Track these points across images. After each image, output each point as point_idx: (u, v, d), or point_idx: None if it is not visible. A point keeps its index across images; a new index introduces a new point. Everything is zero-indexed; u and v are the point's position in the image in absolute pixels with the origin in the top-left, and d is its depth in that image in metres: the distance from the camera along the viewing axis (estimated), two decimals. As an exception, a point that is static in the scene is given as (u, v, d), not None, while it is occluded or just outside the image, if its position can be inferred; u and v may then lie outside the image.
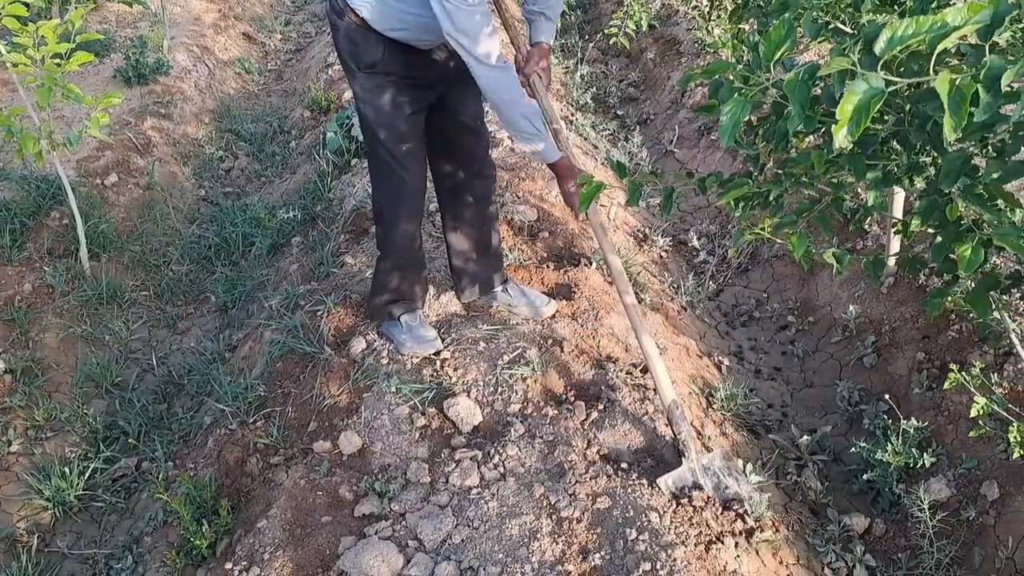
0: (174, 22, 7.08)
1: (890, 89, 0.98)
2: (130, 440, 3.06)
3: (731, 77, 1.43)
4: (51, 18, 6.08)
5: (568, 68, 6.01)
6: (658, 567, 2.08)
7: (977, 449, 2.51)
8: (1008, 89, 0.94)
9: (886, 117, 1.57)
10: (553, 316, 3.04)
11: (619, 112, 5.55)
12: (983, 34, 0.97)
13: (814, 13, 1.52)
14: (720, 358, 3.21)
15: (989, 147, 1.50)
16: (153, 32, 6.79)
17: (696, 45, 5.41)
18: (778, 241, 2.10)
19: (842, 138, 1.00)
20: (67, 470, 2.85)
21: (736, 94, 1.36)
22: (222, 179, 5.23)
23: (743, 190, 1.82)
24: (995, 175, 1.55)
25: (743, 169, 3.59)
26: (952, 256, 1.69)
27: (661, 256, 3.90)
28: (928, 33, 0.95)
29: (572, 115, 5.19)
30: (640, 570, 2.08)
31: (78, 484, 2.84)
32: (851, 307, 3.16)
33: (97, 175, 4.65)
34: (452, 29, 2.16)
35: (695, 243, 3.94)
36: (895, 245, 2.99)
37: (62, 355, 3.47)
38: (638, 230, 4.06)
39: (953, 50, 1.26)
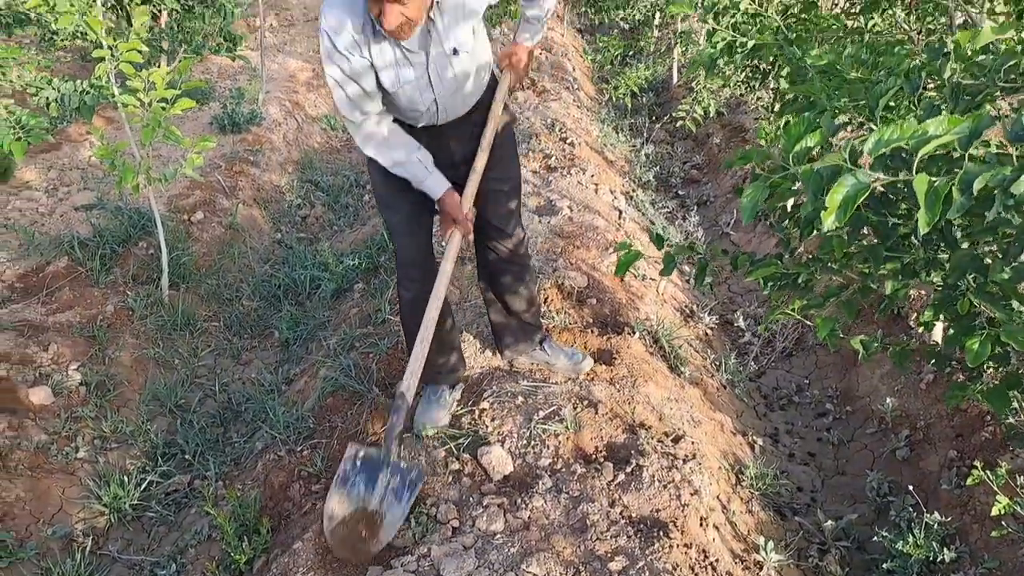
0: (270, 77, 7.58)
1: (875, 184, 1.11)
2: (186, 457, 3.26)
3: (756, 165, 1.57)
4: (160, 66, 6.63)
5: (634, 147, 6.23)
6: (666, 627, 2.15)
7: (1000, 550, 2.51)
8: (981, 192, 1.06)
9: (903, 210, 1.69)
10: (591, 379, 3.16)
11: (680, 192, 5.72)
12: (963, 144, 1.10)
13: (835, 112, 1.65)
14: (755, 438, 3.27)
15: (995, 247, 1.60)
16: (250, 85, 7.28)
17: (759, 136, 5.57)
18: (810, 326, 2.20)
19: (830, 223, 1.13)
20: (126, 479, 3.06)
21: (758, 181, 1.51)
22: (298, 225, 5.54)
23: (771, 270, 1.94)
24: (1004, 275, 1.65)
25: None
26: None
27: (707, 333, 3.99)
28: (911, 139, 1.09)
29: (633, 191, 5.38)
30: (649, 629, 2.14)
31: (134, 494, 3.04)
32: (889, 400, 3.20)
33: (185, 211, 5.00)
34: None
35: (741, 323, 4.03)
36: (936, 333, 3.04)
37: (134, 374, 3.72)
38: (686, 306, 4.16)
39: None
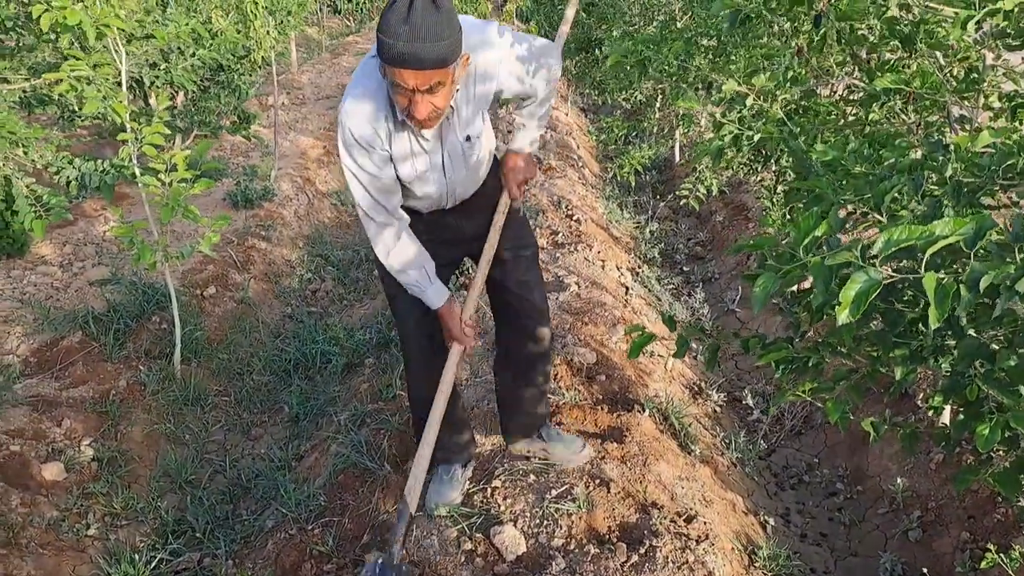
0: (282, 154, 7.77)
1: (886, 282, 1.18)
2: (196, 535, 3.25)
3: (766, 255, 1.64)
4: (174, 144, 6.81)
5: (639, 223, 6.35)
6: None
7: (1018, 635, 2.49)
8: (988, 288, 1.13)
9: (910, 296, 1.75)
10: (603, 457, 3.17)
11: (685, 268, 5.81)
12: (969, 243, 1.17)
13: (841, 207, 1.73)
14: (766, 517, 3.26)
15: (1002, 335, 1.66)
16: (263, 162, 7.47)
17: (763, 212, 5.69)
18: (819, 405, 2.24)
19: (845, 317, 1.19)
20: (136, 557, 3.04)
21: (770, 271, 1.57)
22: (308, 299, 5.61)
23: (782, 353, 1.99)
24: (1011, 362, 1.70)
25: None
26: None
27: (715, 411, 4.02)
28: (919, 240, 1.15)
29: (639, 268, 5.46)
30: None
31: (144, 572, 3.02)
32: (899, 480, 3.21)
33: (198, 286, 5.08)
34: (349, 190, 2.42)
35: (749, 401, 4.05)
36: (946, 420, 3.07)
37: (145, 449, 3.74)
38: (694, 383, 4.20)
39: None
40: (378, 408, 3.71)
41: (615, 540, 2.78)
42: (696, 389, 4.14)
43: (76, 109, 5.36)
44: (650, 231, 6.09)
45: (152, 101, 6.00)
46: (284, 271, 5.87)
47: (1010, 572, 2.38)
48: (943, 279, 1.13)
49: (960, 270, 1.17)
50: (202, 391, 4.19)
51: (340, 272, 5.97)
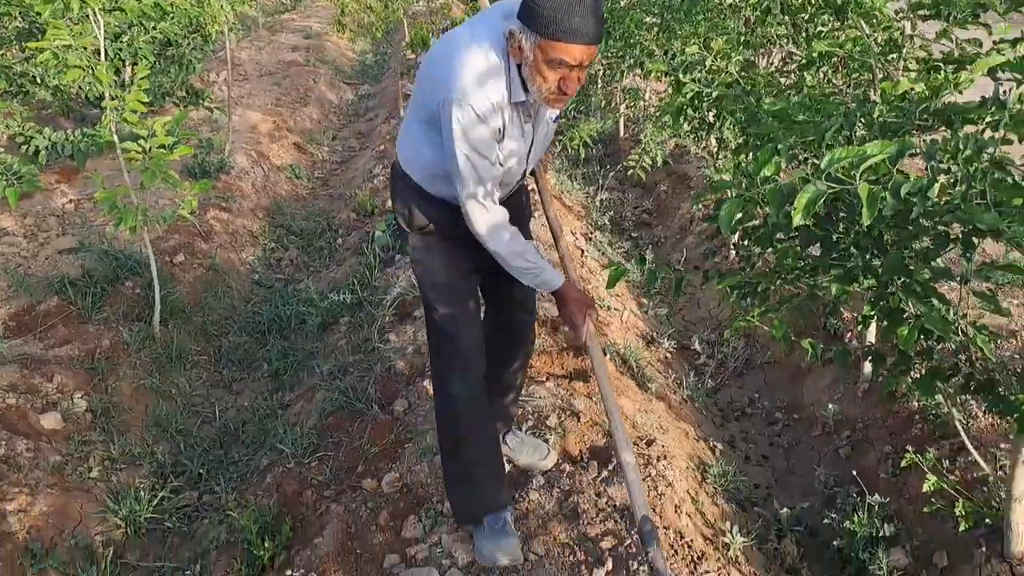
0: (234, 129, 7.85)
1: (829, 192, 1.52)
2: (198, 472, 3.47)
3: (730, 190, 1.98)
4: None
5: (589, 193, 6.71)
6: (655, 592, 2.48)
7: (931, 525, 2.93)
8: (907, 196, 1.47)
9: (842, 224, 2.12)
10: (572, 393, 3.51)
11: (633, 234, 6.19)
12: (892, 161, 1.51)
13: (791, 147, 2.07)
14: (715, 443, 3.65)
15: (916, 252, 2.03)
16: (216, 136, 7.56)
17: (704, 181, 6.10)
18: (768, 344, 2.60)
19: (799, 219, 1.52)
20: (140, 494, 3.26)
21: (733, 199, 1.91)
22: (273, 267, 5.80)
23: (737, 278, 2.35)
24: (925, 275, 2.08)
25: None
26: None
27: (666, 356, 4.40)
28: (855, 157, 1.49)
29: (591, 233, 5.82)
30: (641, 594, 2.47)
31: (148, 508, 3.24)
32: (831, 406, 3.63)
33: (167, 253, 5.23)
34: (456, 174, 2.19)
35: (697, 347, 4.45)
36: (870, 335, 3.49)
37: (134, 402, 3.92)
38: (647, 333, 4.57)
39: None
40: (359, 359, 3.97)
41: (587, 460, 3.13)
42: (649, 339, 4.52)
43: (41, 80, 5.43)
44: (600, 200, 6.45)
45: (125, 73, 6.07)
46: (247, 241, 6.04)
47: (926, 469, 2.80)
48: (873, 188, 1.47)
49: (886, 186, 1.51)
50: (182, 350, 4.37)
51: (303, 241, 6.16)
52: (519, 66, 2.13)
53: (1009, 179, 1.60)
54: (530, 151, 2.39)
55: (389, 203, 6.02)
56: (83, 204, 5.88)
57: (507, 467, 2.93)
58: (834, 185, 1.53)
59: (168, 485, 3.41)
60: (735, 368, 4.30)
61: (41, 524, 3.05)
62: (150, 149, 4.11)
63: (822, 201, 1.52)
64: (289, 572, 2.68)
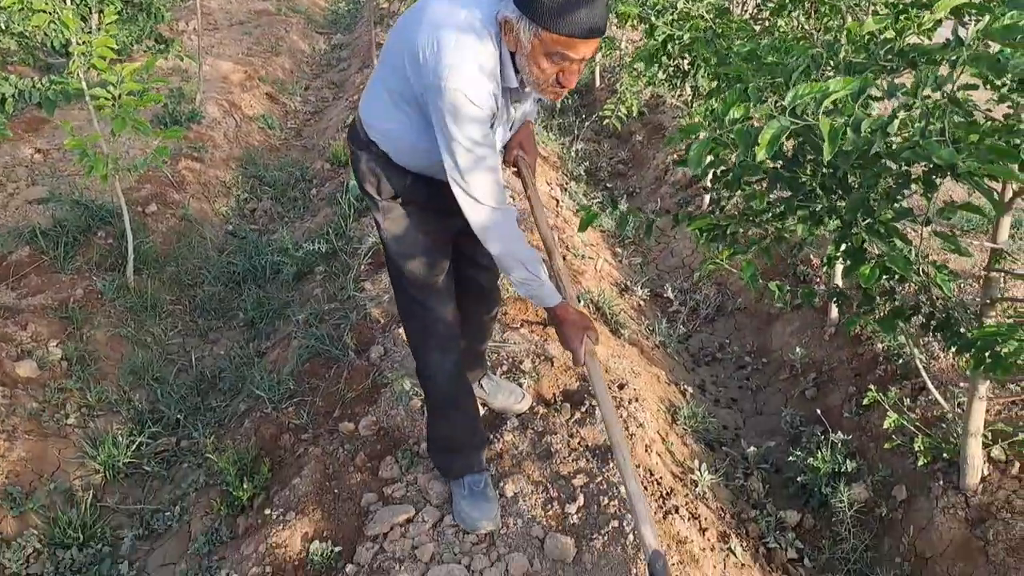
0: (204, 79, 7.73)
1: (793, 127, 1.55)
2: (176, 418, 3.50)
3: (702, 131, 2.01)
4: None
5: (564, 144, 6.70)
6: (625, 526, 2.56)
7: (892, 461, 3.03)
8: (867, 133, 1.51)
9: (810, 166, 2.16)
10: (545, 339, 3.56)
11: (608, 184, 6.21)
12: (854, 97, 1.55)
13: (759, 89, 2.10)
14: (685, 387, 3.74)
15: (880, 192, 2.08)
16: (187, 86, 7.44)
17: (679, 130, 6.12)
18: (739, 291, 2.64)
19: (763, 154, 1.56)
20: (118, 439, 3.29)
21: (702, 139, 1.94)
22: (247, 217, 5.77)
23: (707, 220, 2.39)
24: (888, 215, 2.13)
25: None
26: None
27: (640, 304, 4.46)
28: (818, 93, 1.52)
29: (567, 184, 5.83)
30: (609, 527, 2.56)
31: (126, 453, 3.27)
32: (798, 350, 3.72)
33: (139, 203, 5.18)
34: (452, 167, 2.04)
35: (670, 295, 4.51)
36: (837, 276, 3.57)
37: (109, 350, 3.93)
38: (621, 281, 4.63)
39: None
40: (335, 308, 3.99)
41: (560, 402, 3.19)
42: (623, 287, 4.57)
43: (5, 28, 5.31)
44: (576, 150, 6.45)
45: (92, 20, 5.94)
46: (220, 192, 5.99)
47: (887, 407, 2.90)
48: (835, 123, 1.51)
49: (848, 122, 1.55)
50: (157, 300, 4.37)
51: (276, 192, 6.12)
52: (512, 52, 1.99)
53: (966, 117, 1.64)
54: (508, 134, 2.31)
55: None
56: (52, 154, 5.80)
57: (482, 411, 3.00)
58: (797, 121, 1.57)
59: (146, 431, 3.43)
60: (707, 315, 4.37)
61: (20, 469, 3.08)
62: (119, 96, 4.06)
63: (786, 138, 1.56)
64: (268, 511, 2.73)
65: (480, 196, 2.07)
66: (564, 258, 4.38)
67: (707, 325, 4.35)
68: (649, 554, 1.93)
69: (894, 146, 1.72)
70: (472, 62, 1.93)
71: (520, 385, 3.21)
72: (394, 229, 2.37)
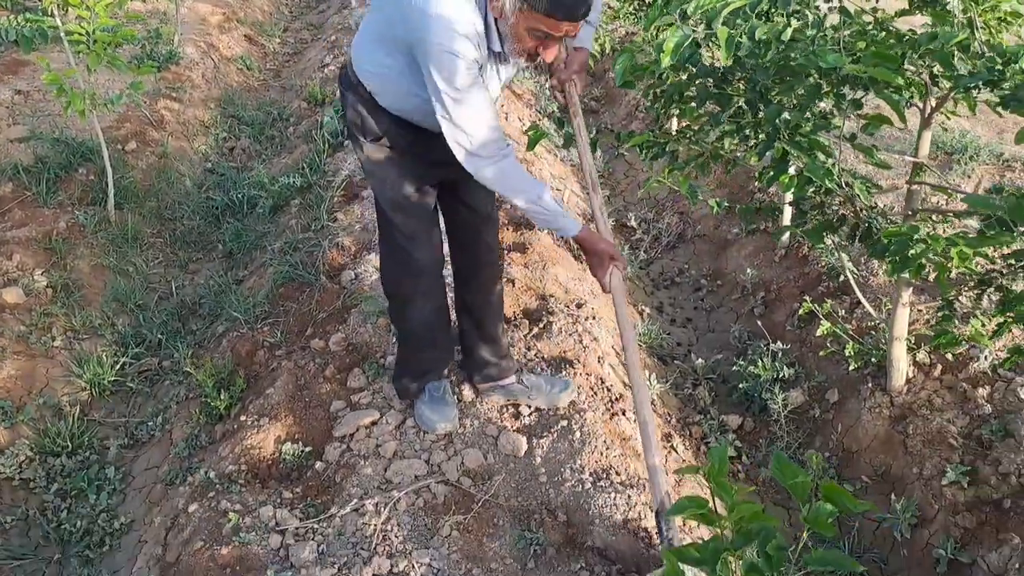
0: (182, 20, 7.75)
1: (692, 37, 1.71)
2: (157, 338, 3.69)
3: (631, 50, 2.16)
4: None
5: (539, 82, 6.79)
6: (573, 424, 2.78)
7: (827, 368, 3.25)
8: (762, 39, 1.67)
9: (741, 84, 2.32)
10: (509, 263, 3.74)
11: (580, 121, 6.33)
12: (752, 7, 1.70)
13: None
14: (643, 307, 3.93)
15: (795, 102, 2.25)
16: (165, 27, 7.47)
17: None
18: (699, 219, 2.80)
19: (666, 62, 1.71)
20: (103, 359, 3.48)
21: (626, 52, 2.10)
22: (226, 156, 5.89)
23: (644, 137, 2.55)
24: (808, 128, 2.30)
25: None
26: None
27: (604, 233, 4.64)
28: (718, 3, 1.68)
29: (540, 120, 5.96)
30: (559, 425, 2.77)
31: (111, 372, 3.46)
32: (750, 271, 3.91)
33: (119, 141, 5.29)
34: (445, 116, 2.09)
35: (633, 223, 4.69)
36: (786, 218, 3.75)
37: (93, 279, 4.09)
38: (586, 212, 4.79)
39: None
40: (309, 237, 4.15)
41: (520, 319, 3.39)
42: (588, 217, 4.74)
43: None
44: (549, 87, 6.54)
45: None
46: (199, 131, 6.09)
47: (820, 316, 3.10)
48: (731, 32, 1.66)
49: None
50: (138, 233, 4.52)
51: (254, 131, 6.22)
52: (496, 19, 2.05)
53: (863, 28, 1.79)
54: (498, 89, 2.36)
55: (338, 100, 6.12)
56: (33, 95, 5.87)
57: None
58: (697, 29, 1.72)
59: (129, 352, 3.62)
60: (668, 242, 4.55)
61: (10, 386, 3.27)
62: (93, 31, 4.15)
63: (688, 44, 1.71)
64: (243, 418, 2.94)
65: (471, 144, 2.12)
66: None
67: (668, 252, 4.54)
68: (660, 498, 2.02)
69: (799, 59, 1.88)
70: (455, 15, 1.98)
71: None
72: (377, 170, 2.44)
